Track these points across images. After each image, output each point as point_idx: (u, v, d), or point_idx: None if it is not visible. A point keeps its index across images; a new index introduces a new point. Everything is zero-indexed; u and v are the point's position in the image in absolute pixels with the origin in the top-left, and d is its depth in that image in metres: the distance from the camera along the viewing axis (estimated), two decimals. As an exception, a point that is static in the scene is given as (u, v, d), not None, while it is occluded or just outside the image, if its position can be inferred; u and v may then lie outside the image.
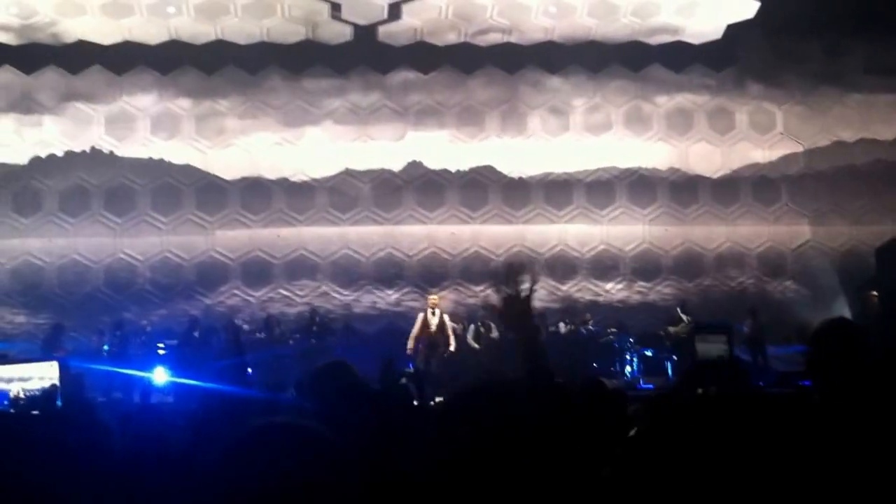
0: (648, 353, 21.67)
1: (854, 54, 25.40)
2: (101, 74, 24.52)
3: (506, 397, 2.89)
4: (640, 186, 25.22)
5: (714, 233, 25.27)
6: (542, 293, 23.57)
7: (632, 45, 25.22)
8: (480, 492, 2.73)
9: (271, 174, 24.62)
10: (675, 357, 21.36)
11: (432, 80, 25.29)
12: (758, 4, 24.42)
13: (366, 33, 24.73)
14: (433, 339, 20.66)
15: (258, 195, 24.54)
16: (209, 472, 2.32)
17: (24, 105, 24.38)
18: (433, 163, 24.97)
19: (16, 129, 24.31)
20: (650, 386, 20.16)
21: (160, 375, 19.24)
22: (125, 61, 24.50)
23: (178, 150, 24.56)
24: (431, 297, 21.57)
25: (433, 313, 20.88)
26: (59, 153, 24.32)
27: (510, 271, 4.11)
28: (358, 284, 24.36)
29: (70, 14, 23.87)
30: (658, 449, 2.87)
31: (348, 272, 24.42)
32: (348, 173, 24.80)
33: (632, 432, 2.91)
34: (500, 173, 25.04)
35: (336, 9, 24.32)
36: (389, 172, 24.89)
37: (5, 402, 14.94)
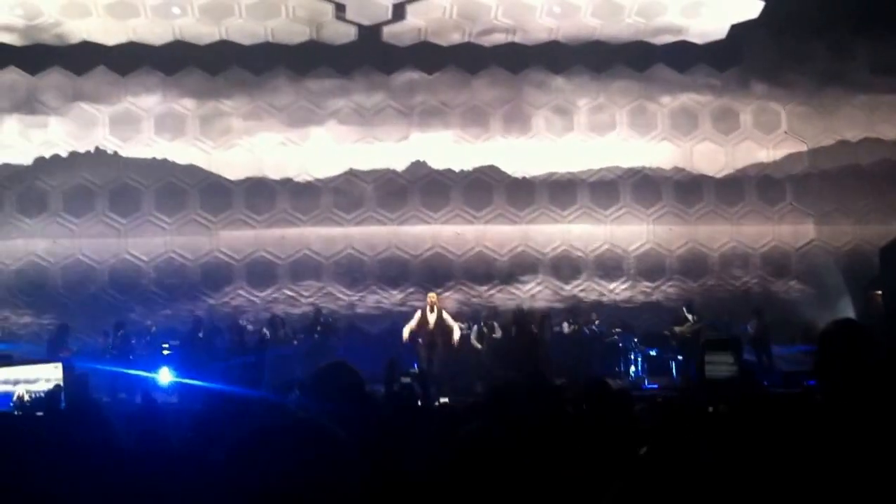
0: (653, 353, 21.66)
1: (859, 54, 25.38)
2: (106, 75, 24.55)
3: (511, 400, 2.90)
4: (644, 186, 25.20)
5: (718, 232, 25.24)
6: (547, 293, 23.59)
7: (636, 45, 25.20)
8: (485, 492, 2.73)
9: (275, 174, 24.63)
10: (680, 357, 21.37)
11: (436, 81, 25.29)
12: (762, 4, 24.40)
13: (370, 33, 24.73)
14: (432, 337, 20.75)
15: (262, 195, 24.55)
16: (216, 472, 2.32)
17: (29, 106, 24.41)
18: (437, 163, 24.97)
19: (20, 129, 24.33)
20: (654, 385, 20.17)
21: (165, 376, 19.27)
22: (130, 62, 24.52)
23: (183, 151, 24.57)
24: (431, 294, 21.66)
25: (431, 310, 20.97)
26: (64, 154, 24.35)
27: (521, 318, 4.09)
28: (362, 284, 24.37)
29: (75, 15, 23.90)
30: (669, 464, 2.87)
31: (352, 272, 24.42)
32: (352, 173, 24.80)
33: (643, 449, 2.92)
34: (504, 173, 25.04)
35: (340, 9, 24.33)
36: (393, 172, 24.90)
37: (10, 404, 14.95)
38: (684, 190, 25.26)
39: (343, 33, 24.77)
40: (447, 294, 23.81)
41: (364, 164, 24.82)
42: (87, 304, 23.54)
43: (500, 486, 2.75)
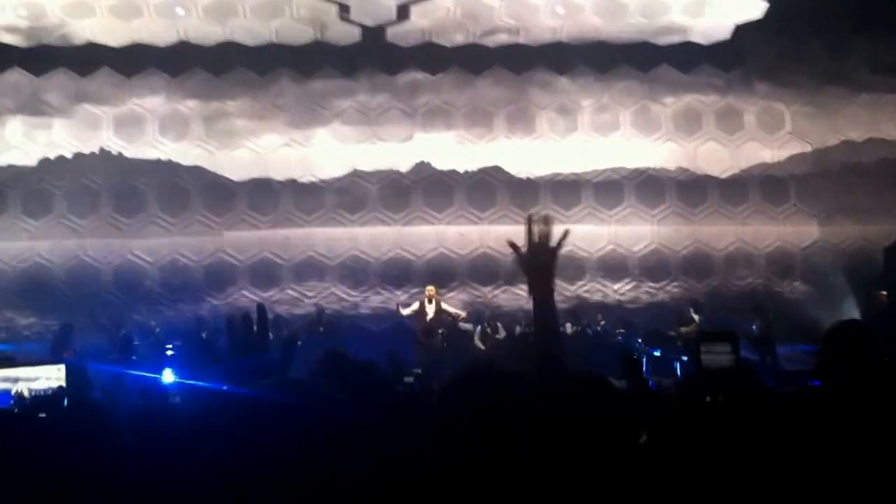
0: (657, 354, 21.64)
1: (862, 54, 25.34)
2: (110, 76, 24.56)
3: (508, 388, 2.89)
4: (648, 186, 25.19)
5: (723, 233, 25.23)
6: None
7: (640, 46, 25.19)
8: (484, 487, 2.73)
9: (280, 175, 24.64)
10: (685, 357, 21.34)
11: (440, 81, 25.29)
12: (766, 5, 24.39)
13: (374, 34, 24.74)
14: (430, 328, 20.85)
15: (266, 196, 24.56)
16: (222, 472, 2.31)
17: (33, 107, 24.43)
18: (441, 163, 24.97)
19: (25, 130, 24.35)
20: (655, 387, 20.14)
21: (169, 377, 19.24)
22: (134, 63, 24.53)
23: (187, 152, 24.58)
24: (429, 287, 21.72)
25: (430, 301, 21.05)
26: (68, 155, 24.36)
27: (539, 225, 4.11)
28: (367, 285, 24.38)
29: (79, 16, 23.93)
30: (667, 455, 2.87)
31: (357, 273, 24.43)
32: (357, 174, 24.81)
33: (641, 439, 2.92)
34: (508, 174, 25.04)
35: (344, 10, 24.35)
36: (398, 173, 24.90)
37: (10, 401, 14.94)
38: (688, 190, 25.24)
39: (347, 34, 24.78)
40: (451, 294, 23.81)
41: (368, 164, 24.83)
42: (92, 305, 23.55)
43: (502, 481, 2.75)
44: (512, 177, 25.02)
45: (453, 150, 25.01)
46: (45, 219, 24.08)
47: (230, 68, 24.79)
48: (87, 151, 24.40)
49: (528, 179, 25.01)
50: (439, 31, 24.93)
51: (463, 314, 22.02)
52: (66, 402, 12.20)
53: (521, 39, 25.14)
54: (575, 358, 20.01)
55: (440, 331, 21.31)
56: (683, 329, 22.02)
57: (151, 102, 24.66)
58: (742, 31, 24.94)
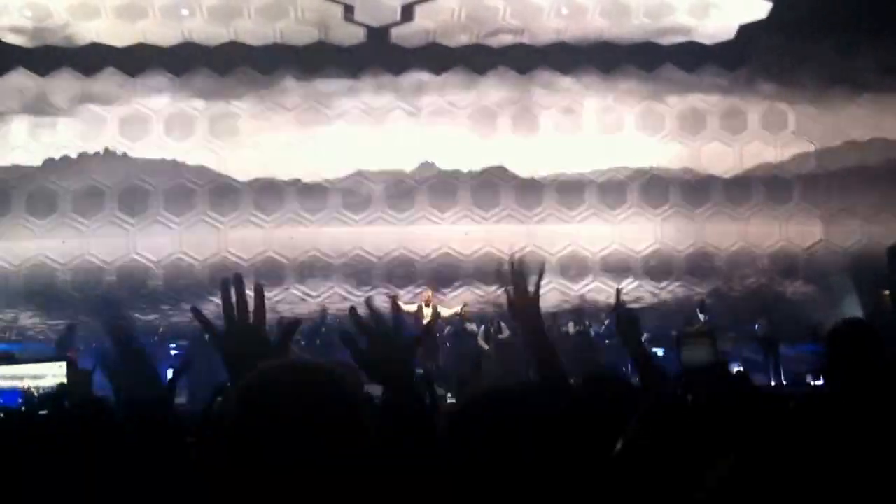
0: (659, 353, 21.64)
1: (866, 54, 25.33)
2: (115, 76, 24.59)
3: (521, 401, 2.91)
4: (652, 186, 25.21)
5: (726, 232, 25.24)
6: (555, 293, 23.59)
7: (644, 46, 25.20)
8: (494, 492, 2.76)
9: (284, 175, 24.66)
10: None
11: (445, 81, 25.31)
12: (770, 5, 24.38)
13: (379, 35, 24.76)
14: (428, 332, 20.82)
15: (271, 196, 24.59)
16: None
17: (38, 107, 24.47)
18: (445, 163, 25.00)
19: (30, 130, 24.39)
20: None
21: (171, 376, 19.27)
22: (139, 63, 24.56)
23: (192, 152, 24.62)
24: (426, 292, 21.70)
25: (427, 305, 21.06)
26: (73, 155, 24.40)
27: (518, 268, 4.11)
28: (371, 285, 24.39)
29: (84, 16, 23.95)
30: (649, 455, 2.90)
31: (361, 273, 24.45)
32: (361, 174, 24.84)
33: (619, 443, 2.94)
34: (512, 174, 25.06)
35: (349, 10, 24.36)
36: (402, 173, 24.93)
37: (19, 402, 14.99)
38: (692, 190, 25.26)
39: (352, 34, 24.80)
40: (455, 294, 23.84)
41: (372, 164, 24.85)
42: (96, 305, 23.57)
43: (517, 485, 2.78)
44: (516, 177, 25.04)
45: (457, 150, 25.03)
46: (50, 218, 24.12)
47: (235, 68, 24.82)
48: (91, 151, 24.44)
49: (532, 179, 25.04)
50: (443, 31, 24.94)
51: (458, 308, 21.94)
52: (66, 399, 12.24)
53: (526, 40, 25.15)
54: (578, 358, 20.00)
55: (438, 334, 21.24)
56: (689, 329, 22.03)
57: (156, 102, 24.70)
58: (746, 31, 24.94)
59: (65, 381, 15.59)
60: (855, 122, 25.53)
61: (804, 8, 23.48)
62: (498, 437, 2.81)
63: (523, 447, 2.79)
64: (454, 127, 25.11)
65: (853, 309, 22.30)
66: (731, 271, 25.10)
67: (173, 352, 21.42)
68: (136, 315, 23.30)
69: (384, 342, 3.07)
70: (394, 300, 3.24)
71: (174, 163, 24.53)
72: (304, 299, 24.29)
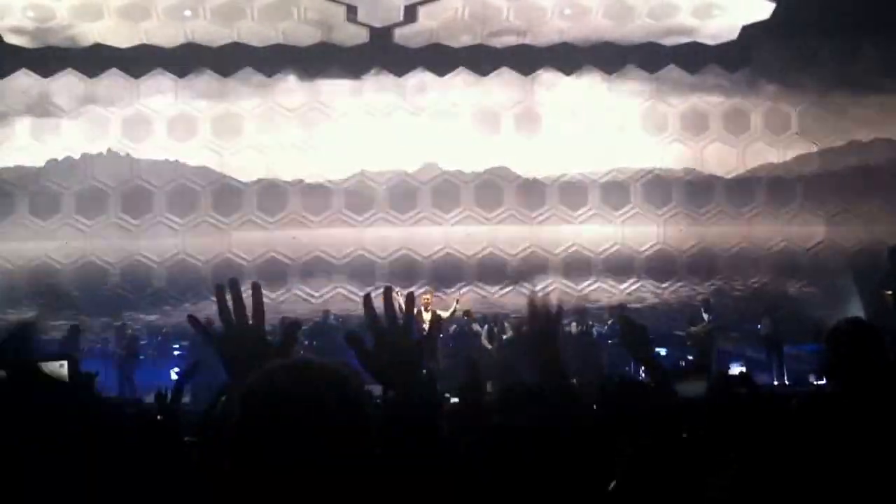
0: (663, 353, 21.65)
1: (869, 55, 25.34)
2: (118, 77, 24.62)
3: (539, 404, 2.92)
4: (655, 187, 25.21)
5: (729, 233, 25.24)
6: (557, 294, 23.58)
7: (647, 47, 25.19)
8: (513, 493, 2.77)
9: (287, 176, 24.68)
10: (690, 357, 21.36)
11: (448, 82, 25.32)
12: (773, 6, 24.36)
13: (381, 35, 24.75)
14: (432, 334, 20.72)
15: (274, 197, 24.61)
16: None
17: (41, 108, 24.49)
18: (448, 164, 25.00)
19: (33, 131, 24.41)
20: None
21: (175, 376, 19.32)
22: (142, 64, 24.58)
23: (195, 152, 24.64)
24: (424, 296, 21.65)
25: (426, 309, 21.02)
26: (76, 156, 24.42)
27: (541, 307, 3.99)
28: (374, 285, 24.38)
29: (87, 17, 23.94)
30: (659, 466, 2.91)
31: (364, 273, 24.44)
32: (364, 175, 24.85)
33: (630, 451, 2.96)
34: (515, 174, 25.07)
35: (352, 11, 24.34)
36: (405, 174, 24.93)
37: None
38: (695, 191, 25.27)
39: (354, 35, 24.79)
40: (458, 294, 23.84)
41: (375, 165, 24.86)
42: (99, 306, 23.60)
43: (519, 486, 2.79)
44: (519, 177, 25.05)
45: (460, 150, 25.03)
46: (53, 219, 24.15)
47: (238, 69, 24.83)
48: (94, 152, 24.46)
49: (535, 180, 25.04)
50: (447, 32, 24.93)
51: (455, 305, 21.79)
52: (66, 400, 12.23)
53: (529, 41, 25.14)
54: (579, 358, 19.99)
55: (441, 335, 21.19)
56: (693, 329, 22.06)
57: (159, 103, 24.72)
58: (749, 32, 24.92)
59: (66, 380, 15.61)
60: (857, 122, 25.52)
61: (807, 9, 23.46)
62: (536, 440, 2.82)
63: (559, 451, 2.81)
64: (457, 127, 25.11)
65: (855, 309, 22.29)
66: (733, 271, 25.10)
67: (176, 352, 21.45)
68: (141, 315, 23.36)
69: (392, 343, 3.07)
70: (409, 296, 3.19)
71: (177, 164, 24.56)
72: (306, 300, 24.31)
